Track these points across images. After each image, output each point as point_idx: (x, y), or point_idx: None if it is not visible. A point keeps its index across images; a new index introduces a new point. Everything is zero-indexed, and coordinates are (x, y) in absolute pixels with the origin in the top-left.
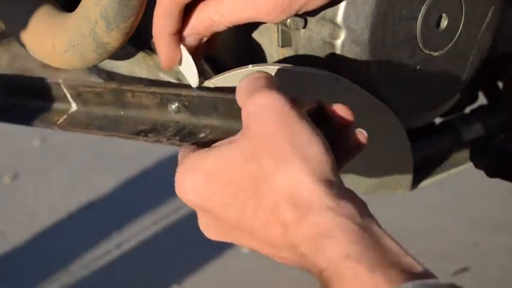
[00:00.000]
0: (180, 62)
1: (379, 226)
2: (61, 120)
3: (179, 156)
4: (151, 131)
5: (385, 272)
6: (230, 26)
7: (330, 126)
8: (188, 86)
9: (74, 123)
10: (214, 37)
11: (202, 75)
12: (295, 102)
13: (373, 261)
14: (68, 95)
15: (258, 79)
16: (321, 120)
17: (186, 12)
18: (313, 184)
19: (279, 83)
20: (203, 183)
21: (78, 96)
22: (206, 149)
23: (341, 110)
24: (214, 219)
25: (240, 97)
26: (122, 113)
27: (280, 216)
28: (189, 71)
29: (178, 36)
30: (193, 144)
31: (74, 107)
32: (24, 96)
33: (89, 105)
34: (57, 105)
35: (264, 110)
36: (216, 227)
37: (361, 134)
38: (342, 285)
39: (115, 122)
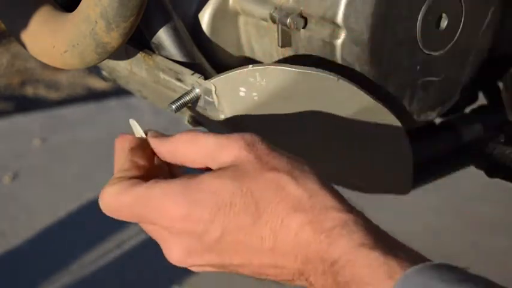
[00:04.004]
0: None
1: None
2: None
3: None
4: None
5: (397, 256)
6: None
7: None
8: None
9: None
10: None
11: (203, 74)
12: None
13: (385, 248)
14: None
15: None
16: None
17: None
18: (322, 191)
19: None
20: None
21: None
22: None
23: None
24: (197, 240)
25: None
26: None
27: (290, 222)
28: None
29: None
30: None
31: None
32: None
33: None
34: None
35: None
36: (201, 248)
37: None
38: (354, 272)
39: None
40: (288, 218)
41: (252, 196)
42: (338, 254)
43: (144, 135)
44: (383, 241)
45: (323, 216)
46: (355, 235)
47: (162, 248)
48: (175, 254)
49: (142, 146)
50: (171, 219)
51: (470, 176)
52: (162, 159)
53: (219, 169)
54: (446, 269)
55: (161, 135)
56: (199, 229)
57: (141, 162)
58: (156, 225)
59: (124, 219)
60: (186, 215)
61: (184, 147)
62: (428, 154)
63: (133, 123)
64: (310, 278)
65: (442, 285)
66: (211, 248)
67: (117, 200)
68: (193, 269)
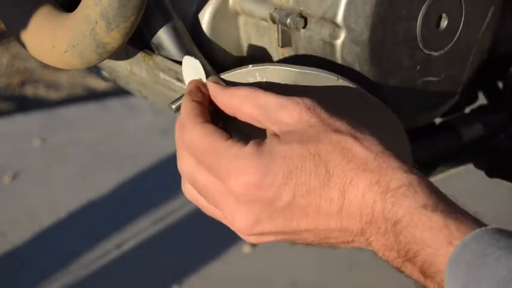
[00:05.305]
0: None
1: None
2: None
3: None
4: None
5: (457, 220)
6: None
7: None
8: None
9: None
10: None
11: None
12: None
13: (446, 211)
14: None
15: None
16: None
17: None
18: (386, 152)
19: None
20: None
21: None
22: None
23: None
24: (266, 206)
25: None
26: None
27: (359, 182)
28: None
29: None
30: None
31: None
32: None
33: None
34: None
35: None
36: (268, 215)
37: None
38: (415, 233)
39: None
40: (357, 178)
41: (320, 158)
42: (401, 213)
43: (204, 79)
44: (444, 203)
45: (389, 176)
46: (418, 196)
47: (223, 213)
48: (242, 221)
49: (201, 89)
50: (243, 185)
51: (470, 176)
52: (217, 106)
53: (283, 134)
54: (502, 235)
55: (220, 81)
56: (271, 195)
57: (202, 102)
58: (223, 186)
59: (193, 161)
60: (259, 181)
61: (243, 101)
62: (428, 154)
63: (196, 63)
64: (370, 238)
65: (499, 252)
66: (280, 213)
67: (201, 140)
68: (253, 239)
